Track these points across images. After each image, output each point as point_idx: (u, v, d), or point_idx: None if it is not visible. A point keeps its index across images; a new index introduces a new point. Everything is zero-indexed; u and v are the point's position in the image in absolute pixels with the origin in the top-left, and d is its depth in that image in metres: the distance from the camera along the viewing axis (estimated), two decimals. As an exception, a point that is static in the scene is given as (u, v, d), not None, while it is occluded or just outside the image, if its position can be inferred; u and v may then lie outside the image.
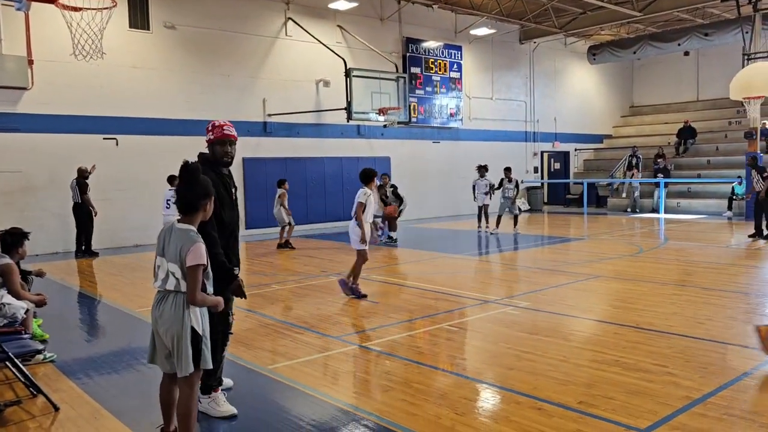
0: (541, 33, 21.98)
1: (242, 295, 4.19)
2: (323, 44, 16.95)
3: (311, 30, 17.10)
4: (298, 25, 17.05)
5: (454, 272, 10.45)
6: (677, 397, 4.38)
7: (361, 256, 8.00)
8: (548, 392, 4.55)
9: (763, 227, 13.28)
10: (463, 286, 9.09)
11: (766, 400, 4.42)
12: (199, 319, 3.46)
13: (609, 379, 4.81)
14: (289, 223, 13.35)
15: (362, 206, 7.84)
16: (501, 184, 15.78)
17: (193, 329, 3.40)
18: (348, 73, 15.79)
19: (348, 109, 15.63)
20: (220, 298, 3.57)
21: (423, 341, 6.08)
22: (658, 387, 4.60)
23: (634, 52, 22.89)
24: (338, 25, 17.96)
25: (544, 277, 9.54)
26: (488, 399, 4.63)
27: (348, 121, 16.34)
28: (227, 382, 4.74)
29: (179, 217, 3.51)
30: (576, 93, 25.30)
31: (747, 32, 17.24)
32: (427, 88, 20.10)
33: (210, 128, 4.24)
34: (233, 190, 4.37)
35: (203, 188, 3.47)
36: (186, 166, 3.44)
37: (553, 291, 8.39)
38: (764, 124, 19.63)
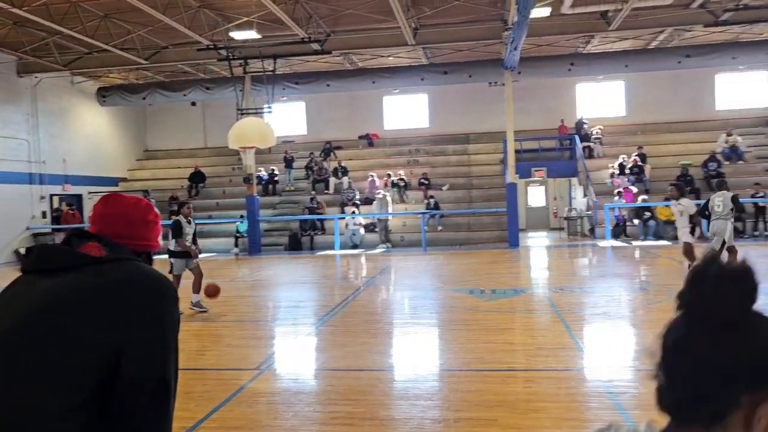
0: (44, 68, 20.43)
1: None
2: None
3: None
4: None
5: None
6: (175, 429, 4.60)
7: None
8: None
9: None
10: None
11: (250, 414, 5.05)
12: None
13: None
14: None
15: None
16: None
17: None
18: None
19: None
20: None
21: None
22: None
23: (144, 98, 23.35)
24: None
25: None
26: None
27: None
28: None
29: None
30: (87, 134, 24.29)
31: (240, 90, 19.65)
32: None
33: None
34: None
35: None
36: None
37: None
38: (260, 170, 22.59)
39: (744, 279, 0.89)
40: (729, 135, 21.75)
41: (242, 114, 18.86)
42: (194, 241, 9.79)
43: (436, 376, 5.97)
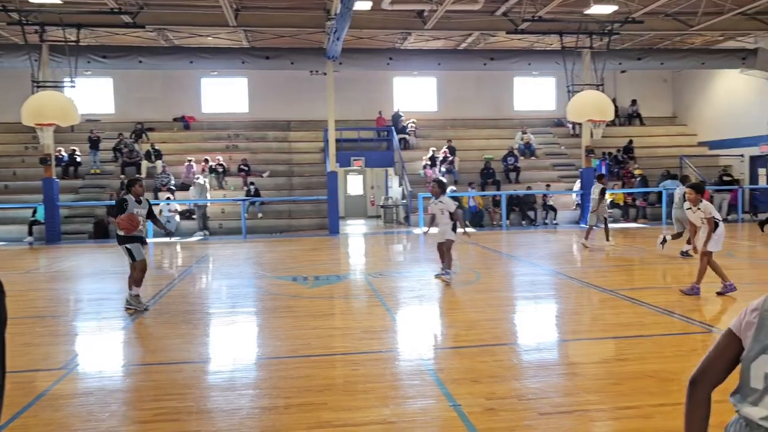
0: None
1: None
2: None
3: None
4: None
5: None
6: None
7: None
8: None
9: None
10: None
11: (58, 418, 4.62)
12: None
13: None
14: None
15: None
16: None
17: None
18: None
19: None
20: None
21: None
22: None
23: None
24: None
25: None
26: None
27: None
28: None
29: None
30: None
31: (36, 60, 17.56)
32: None
33: None
34: None
35: None
36: None
37: None
38: (60, 150, 20.50)
39: None
40: (524, 133, 24.15)
41: (39, 87, 16.92)
42: (156, 223, 8.75)
43: (263, 365, 5.93)
